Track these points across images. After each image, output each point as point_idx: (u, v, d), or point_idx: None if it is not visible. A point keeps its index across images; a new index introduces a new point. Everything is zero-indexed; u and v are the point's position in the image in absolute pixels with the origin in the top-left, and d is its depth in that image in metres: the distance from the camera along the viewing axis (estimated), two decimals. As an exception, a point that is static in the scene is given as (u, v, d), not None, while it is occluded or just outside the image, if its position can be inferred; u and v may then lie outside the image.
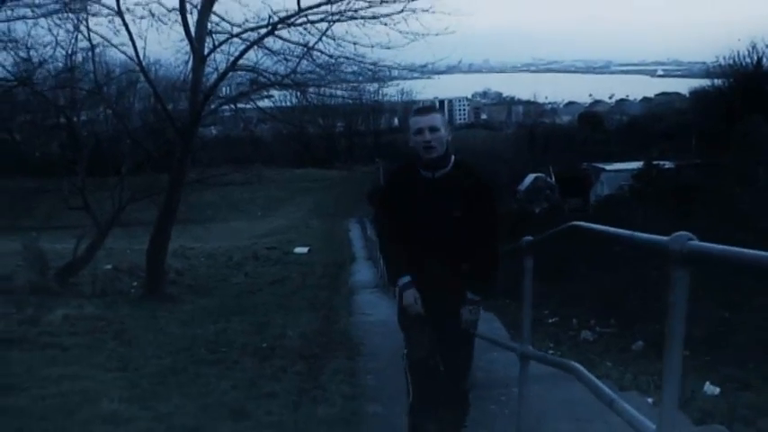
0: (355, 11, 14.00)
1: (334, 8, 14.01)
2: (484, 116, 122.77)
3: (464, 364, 4.57)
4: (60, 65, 16.32)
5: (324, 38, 14.52)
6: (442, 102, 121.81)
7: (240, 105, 17.58)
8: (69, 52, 15.76)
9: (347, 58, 14.94)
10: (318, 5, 14.02)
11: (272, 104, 18.42)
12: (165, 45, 16.36)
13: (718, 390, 6.94)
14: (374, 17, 14.02)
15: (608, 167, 38.13)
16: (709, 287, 11.54)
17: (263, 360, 7.84)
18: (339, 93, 17.32)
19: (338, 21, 14.31)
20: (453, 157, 4.41)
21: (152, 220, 17.05)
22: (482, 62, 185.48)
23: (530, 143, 73.11)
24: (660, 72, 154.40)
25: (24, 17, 13.94)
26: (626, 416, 2.80)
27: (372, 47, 14.83)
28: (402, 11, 13.90)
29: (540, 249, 4.57)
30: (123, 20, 14.06)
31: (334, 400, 5.81)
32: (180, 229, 17.94)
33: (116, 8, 13.85)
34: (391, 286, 4.64)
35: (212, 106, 16.46)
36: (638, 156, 44.09)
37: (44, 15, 13.91)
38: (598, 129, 77.52)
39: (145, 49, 15.41)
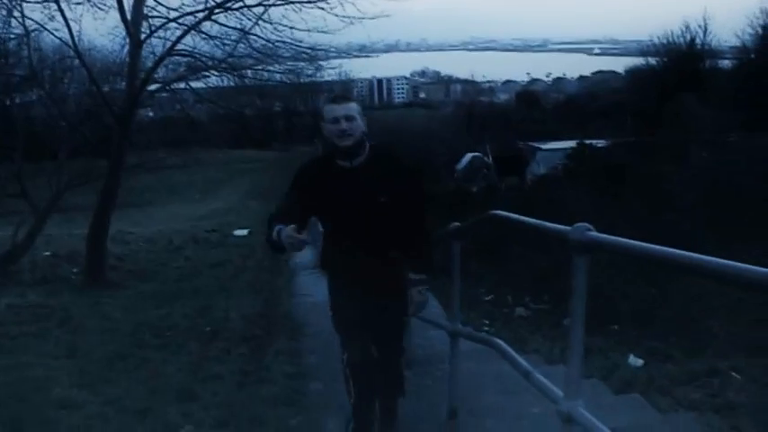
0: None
1: (271, -7, 14.15)
2: (422, 95, 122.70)
3: (398, 350, 4.64)
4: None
5: (261, 22, 14.67)
6: (380, 81, 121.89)
7: (177, 87, 17.58)
8: (3, 39, 15.66)
9: (284, 42, 15.12)
10: (255, -11, 14.14)
11: (208, 87, 17.85)
12: (101, 31, 16.32)
13: (641, 362, 7.38)
14: (310, 1, 14.23)
15: (544, 146, 38.68)
16: (640, 267, 12.07)
17: (207, 343, 8.10)
18: (277, 75, 17.29)
19: (274, 5, 14.44)
20: (368, 144, 4.36)
21: (91, 206, 16.95)
22: (420, 41, 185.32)
23: (467, 122, 73.38)
24: (597, 50, 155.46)
25: None
26: (540, 386, 3.15)
27: (309, 31, 15.08)
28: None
29: (472, 232, 4.91)
30: (59, 5, 14.00)
31: (276, 380, 6.10)
32: (118, 214, 17.88)
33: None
34: (275, 249, 4.09)
35: (150, 88, 16.38)
36: (575, 134, 44.81)
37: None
38: (535, 107, 78.10)
39: (80, 33, 15.38)
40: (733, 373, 6.17)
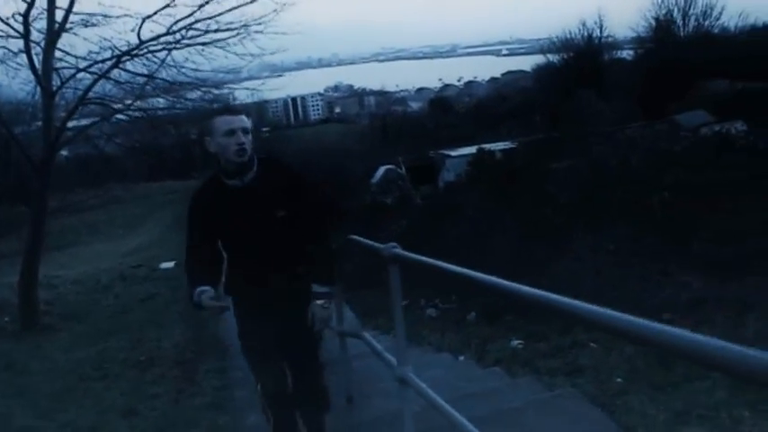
0: (191, 38, 15.02)
1: (172, 38, 14.95)
2: (338, 110, 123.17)
3: (316, 368, 4.55)
4: None
5: (166, 65, 15.49)
6: (294, 99, 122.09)
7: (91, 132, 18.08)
8: None
9: (189, 83, 16.00)
10: (158, 37, 14.88)
11: (119, 121, 18.16)
12: (11, 82, 16.90)
13: (521, 341, 8.44)
14: (210, 42, 15.11)
15: (453, 153, 39.71)
16: (535, 255, 13.27)
17: (143, 371, 8.92)
18: (189, 103, 17.62)
19: (176, 48, 15.27)
20: (256, 158, 4.24)
21: (12, 252, 17.31)
22: (331, 56, 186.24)
23: (382, 134, 74.19)
24: (504, 51, 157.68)
25: None
26: (385, 361, 4.20)
27: (213, 71, 16.02)
28: (237, 35, 15.00)
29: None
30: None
31: (207, 392, 7.01)
32: (43, 258, 18.22)
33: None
34: (195, 307, 4.12)
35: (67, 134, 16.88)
36: (487, 137, 46.00)
37: None
38: (449, 113, 79.33)
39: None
40: (591, 344, 7.26)
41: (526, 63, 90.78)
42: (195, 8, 14.50)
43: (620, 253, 11.04)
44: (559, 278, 10.91)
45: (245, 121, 4.15)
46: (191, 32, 14.84)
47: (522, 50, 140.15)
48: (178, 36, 14.83)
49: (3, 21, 14.32)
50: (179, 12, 14.65)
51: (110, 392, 7.58)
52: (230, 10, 14.65)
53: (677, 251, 10.38)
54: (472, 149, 36.06)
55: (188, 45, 15.14)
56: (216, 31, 14.86)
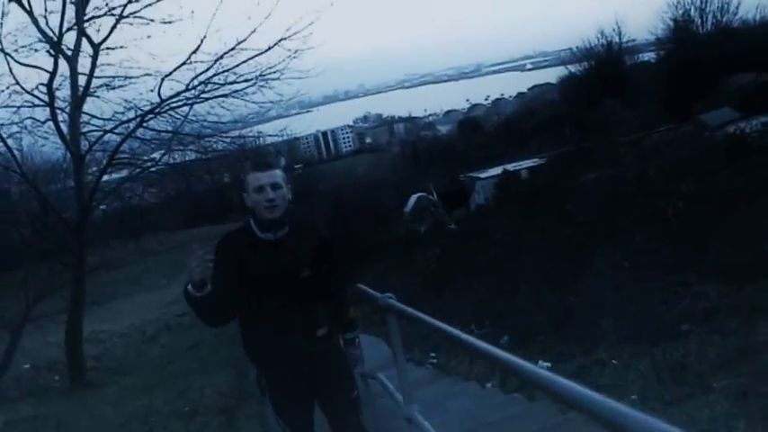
0: (210, 92, 15.49)
1: (192, 93, 15.41)
2: (368, 140, 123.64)
3: (355, 415, 4.37)
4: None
5: (188, 120, 15.98)
6: (324, 133, 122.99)
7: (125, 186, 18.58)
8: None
9: (211, 135, 16.50)
10: (178, 94, 15.38)
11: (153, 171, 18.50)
12: (41, 149, 17.53)
13: (548, 364, 8.58)
14: (229, 94, 15.56)
15: (482, 175, 39.77)
16: (550, 284, 13.41)
17: (188, 421, 9.22)
18: (220, 145, 18.03)
19: (197, 102, 15.75)
20: (291, 214, 4.16)
21: (59, 311, 17.65)
22: (357, 87, 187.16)
23: (414, 160, 74.45)
24: (529, 66, 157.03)
25: None
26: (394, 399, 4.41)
27: (235, 121, 16.49)
28: (254, 84, 15.44)
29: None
30: (3, 141, 15.11)
31: (245, 438, 7.28)
32: (87, 314, 18.57)
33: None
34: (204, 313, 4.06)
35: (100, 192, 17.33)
36: (518, 154, 46.04)
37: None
38: (478, 133, 79.37)
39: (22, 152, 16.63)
40: (613, 361, 7.40)
41: (552, 75, 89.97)
42: (212, 63, 14.97)
43: (639, 267, 11.14)
44: (583, 295, 11.07)
45: (274, 176, 4.01)
46: (209, 86, 15.33)
47: (547, 63, 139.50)
48: (197, 91, 15.30)
49: (27, 92, 14.87)
50: (197, 67, 15.12)
51: (155, 446, 7.91)
52: (245, 61, 15.11)
53: (694, 261, 10.46)
54: (499, 170, 36.16)
55: (208, 99, 15.66)
56: (233, 82, 15.31)
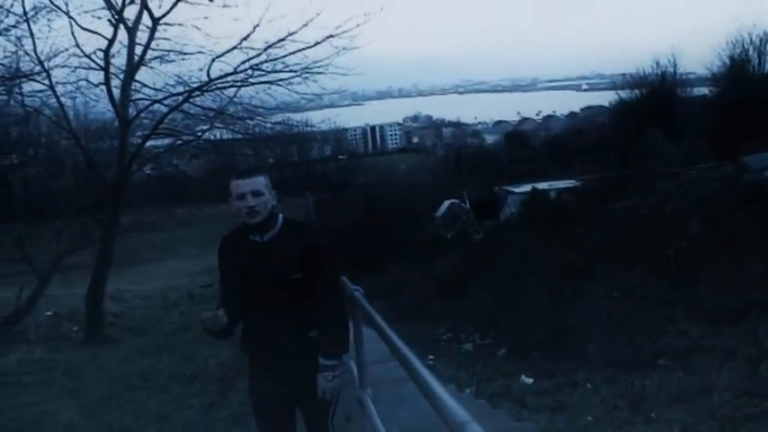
0: (257, 77, 16.11)
1: (240, 77, 16.04)
2: (415, 140, 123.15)
3: (325, 426, 4.45)
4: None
5: (233, 102, 16.65)
6: (373, 128, 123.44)
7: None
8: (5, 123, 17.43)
9: (253, 118, 17.14)
10: (226, 75, 16.00)
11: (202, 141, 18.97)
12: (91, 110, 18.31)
13: (531, 380, 9.06)
14: (274, 82, 16.17)
15: (515, 190, 39.95)
16: (561, 296, 13.86)
17: (186, 384, 9.85)
18: (268, 126, 18.63)
19: (243, 86, 16.37)
20: (281, 217, 4.33)
21: (89, 265, 18.34)
22: (411, 86, 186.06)
23: (455, 166, 74.50)
24: (585, 86, 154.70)
25: None
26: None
27: (278, 108, 17.12)
28: (299, 75, 16.02)
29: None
30: (57, 98, 15.92)
31: (233, 407, 7.84)
32: (116, 273, 19.20)
33: (49, 86, 15.59)
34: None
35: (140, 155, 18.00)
36: (562, 172, 46.04)
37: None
38: (524, 147, 79.09)
39: (73, 110, 17.40)
40: (588, 384, 7.85)
41: (606, 98, 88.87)
42: (261, 50, 15.57)
43: (634, 298, 11.54)
44: (577, 318, 11.53)
45: (256, 183, 4.16)
46: (257, 72, 15.92)
47: (603, 86, 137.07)
48: (245, 75, 15.90)
49: (86, 55, 15.59)
50: (248, 53, 15.74)
51: (150, 401, 8.52)
52: (293, 53, 15.67)
53: (684, 299, 10.86)
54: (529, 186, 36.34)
55: (253, 83, 16.25)
56: (280, 71, 15.90)
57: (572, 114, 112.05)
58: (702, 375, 7.11)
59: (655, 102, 52.99)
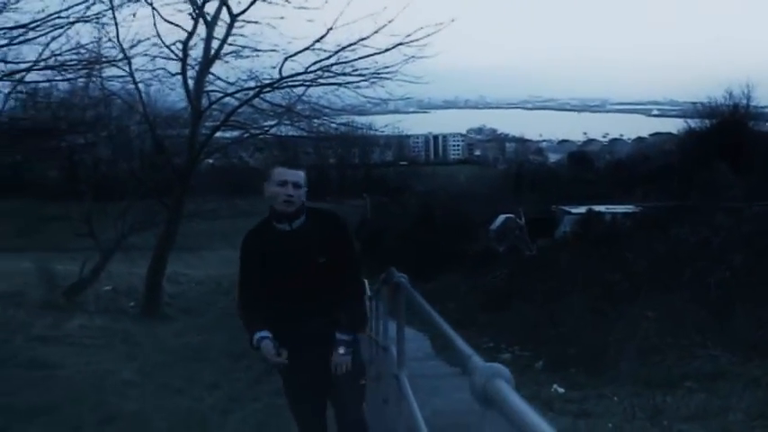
0: (326, 78, 16.77)
1: (310, 76, 16.71)
2: (478, 152, 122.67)
3: (356, 403, 4.55)
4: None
5: (301, 100, 17.36)
6: (436, 137, 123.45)
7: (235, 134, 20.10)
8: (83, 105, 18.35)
9: (319, 117, 17.83)
10: (296, 74, 16.69)
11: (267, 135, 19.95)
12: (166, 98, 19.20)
13: (563, 390, 9.46)
14: (342, 84, 16.82)
15: (573, 210, 40.10)
16: (602, 315, 14.24)
17: (235, 360, 10.51)
18: (332, 126, 19.36)
19: (312, 85, 17.04)
20: (307, 209, 4.43)
21: (149, 246, 19.14)
22: (478, 98, 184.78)
23: (515, 182, 74.48)
24: (655, 111, 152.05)
25: (53, 79, 16.05)
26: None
27: (343, 109, 17.80)
28: (368, 78, 16.63)
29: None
30: (136, 84, 16.77)
31: (277, 383, 8.45)
32: (174, 257, 19.88)
33: (129, 72, 16.43)
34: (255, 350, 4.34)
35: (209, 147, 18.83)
36: (623, 197, 45.87)
37: (69, 79, 16.22)
38: (587, 169, 78.70)
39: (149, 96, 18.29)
40: (615, 398, 8.24)
41: (676, 126, 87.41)
42: (332, 53, 16.21)
43: (670, 322, 11.85)
44: (615, 337, 11.91)
45: (299, 175, 4.33)
46: (326, 74, 16.56)
47: (674, 112, 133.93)
48: (315, 75, 16.57)
49: (166, 46, 16.42)
50: (319, 54, 16.38)
51: (202, 371, 9.22)
52: (363, 57, 16.28)
53: (719, 327, 11.15)
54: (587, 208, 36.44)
55: (323, 84, 16.94)
56: (349, 74, 16.53)
57: (639, 139, 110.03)
58: (724, 398, 7.47)
59: (724, 133, 52.25)
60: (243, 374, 9.39)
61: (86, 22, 14.28)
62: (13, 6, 13.29)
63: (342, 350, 4.30)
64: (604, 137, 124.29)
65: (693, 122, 60.34)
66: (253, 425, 6.91)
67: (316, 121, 18.23)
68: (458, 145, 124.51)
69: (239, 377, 9.19)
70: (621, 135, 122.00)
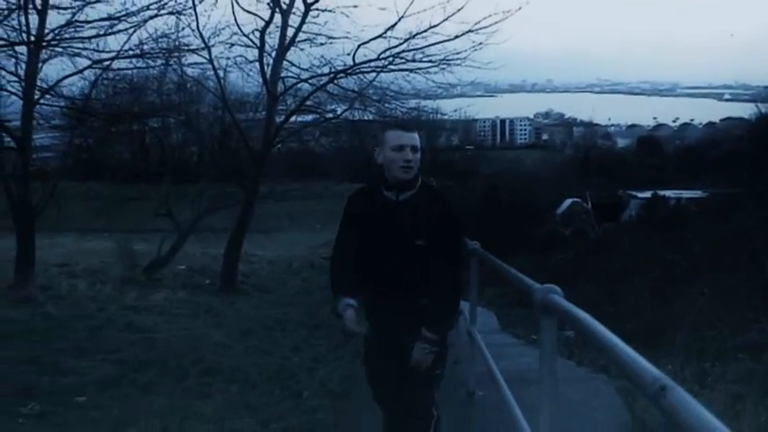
0: (397, 65, 17.32)
1: (381, 63, 17.29)
2: (545, 137, 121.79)
3: (427, 388, 4.27)
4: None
5: (373, 86, 17.97)
6: (503, 121, 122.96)
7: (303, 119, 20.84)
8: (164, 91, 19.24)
9: (390, 102, 18.41)
10: (369, 61, 17.25)
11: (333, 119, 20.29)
12: (244, 84, 20.00)
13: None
14: (413, 70, 17.37)
15: (639, 195, 40.16)
16: (661, 293, 14.70)
17: (313, 330, 11.30)
18: (399, 111, 19.54)
19: (383, 71, 17.57)
20: (421, 179, 4.18)
21: (222, 228, 20.06)
22: (546, 82, 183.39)
23: (583, 166, 74.15)
24: (727, 96, 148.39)
25: (137, 66, 16.91)
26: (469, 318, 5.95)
27: (414, 95, 18.35)
28: (438, 65, 17.16)
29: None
30: (216, 72, 17.53)
31: (355, 349, 9.18)
32: (246, 237, 20.83)
33: (209, 60, 17.18)
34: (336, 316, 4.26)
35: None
36: (692, 183, 45.71)
37: (150, 67, 17.13)
38: (656, 154, 78.00)
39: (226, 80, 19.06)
40: (669, 366, 8.68)
41: (748, 111, 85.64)
42: (404, 40, 16.75)
43: (725, 299, 12.26)
44: (672, 314, 12.36)
45: (415, 138, 4.09)
46: (397, 60, 17.12)
47: (746, 97, 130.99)
48: (386, 62, 17.14)
49: (244, 34, 17.16)
50: (390, 41, 16.95)
51: (284, 338, 10.04)
52: (434, 44, 16.80)
53: None
54: (659, 192, 36.49)
55: (394, 70, 17.51)
56: (420, 60, 17.08)
57: (710, 124, 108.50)
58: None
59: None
60: (321, 341, 10.19)
61: (171, 14, 15.07)
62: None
63: (426, 347, 4.04)
64: (674, 122, 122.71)
65: (764, 107, 59.48)
66: (338, 378, 7.66)
67: (387, 105, 18.77)
68: (525, 129, 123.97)
69: (318, 343, 10.02)
70: (692, 120, 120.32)
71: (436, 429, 4.27)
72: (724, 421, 1.35)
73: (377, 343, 4.35)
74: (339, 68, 17.62)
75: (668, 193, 37.49)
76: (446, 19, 16.32)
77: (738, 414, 5.38)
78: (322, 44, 17.62)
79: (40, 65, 14.78)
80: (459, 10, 16.21)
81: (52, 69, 15.55)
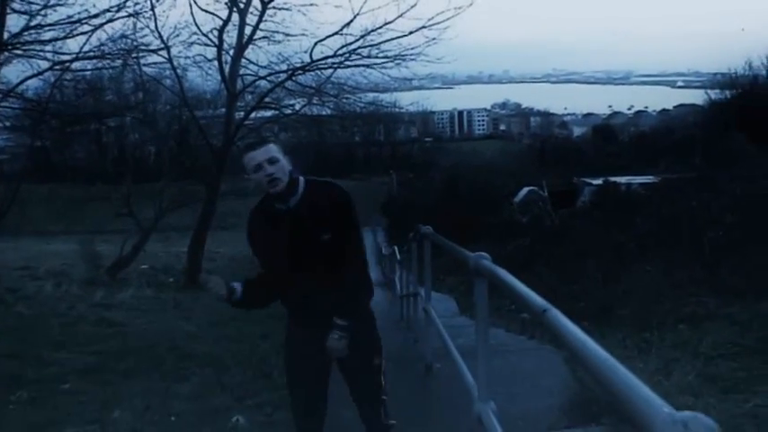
0: (354, 60, 17.73)
1: (338, 59, 17.69)
2: (503, 127, 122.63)
3: (374, 389, 4.36)
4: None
5: (330, 82, 18.38)
6: (461, 112, 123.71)
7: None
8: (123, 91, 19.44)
9: (347, 98, 18.85)
10: (326, 58, 17.65)
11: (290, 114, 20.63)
12: (204, 83, 20.26)
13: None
14: (369, 66, 17.79)
15: (593, 182, 40.88)
16: (610, 273, 15.38)
17: (278, 320, 11.53)
18: (357, 106, 20.33)
19: (340, 67, 17.99)
20: (303, 180, 4.15)
21: (183, 226, 20.24)
22: (502, 73, 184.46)
23: (540, 155, 75.10)
24: (680, 83, 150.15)
25: (96, 67, 17.20)
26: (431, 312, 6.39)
27: (371, 89, 18.80)
28: (393, 60, 17.60)
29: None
30: (175, 71, 17.76)
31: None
32: (208, 234, 21.02)
33: (168, 59, 17.38)
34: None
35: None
36: (646, 169, 46.33)
37: (108, 68, 17.41)
38: (612, 141, 79.01)
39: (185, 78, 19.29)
40: (615, 337, 9.29)
41: (701, 98, 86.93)
42: (359, 36, 17.18)
43: (669, 276, 13.01)
44: (620, 291, 13.06)
45: (269, 150, 4.02)
46: (353, 56, 17.54)
47: (699, 84, 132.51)
48: (343, 58, 17.56)
49: (203, 33, 17.44)
50: (347, 38, 17.37)
51: (253, 326, 10.23)
52: (388, 40, 17.25)
53: (710, 279, 12.40)
54: (610, 179, 37.16)
55: (350, 66, 17.95)
56: (375, 56, 17.51)
57: (664, 111, 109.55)
58: (704, 333, 8.58)
59: (744, 104, 52.30)
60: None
61: (130, 16, 15.31)
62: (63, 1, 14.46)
63: (335, 335, 4.01)
64: (629, 109, 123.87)
65: (714, 94, 60.74)
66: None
67: (345, 100, 19.20)
68: (482, 120, 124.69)
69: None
70: (646, 107, 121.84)
71: (385, 412, 4.37)
72: (655, 379, 1.78)
73: (302, 345, 4.29)
74: (297, 65, 18.01)
75: (621, 179, 38.22)
76: (400, 16, 16.79)
77: (670, 373, 5.89)
78: (279, 42, 18.04)
79: (-1, 67, 14.95)
80: (412, 7, 16.68)
81: (11, 71, 15.76)
